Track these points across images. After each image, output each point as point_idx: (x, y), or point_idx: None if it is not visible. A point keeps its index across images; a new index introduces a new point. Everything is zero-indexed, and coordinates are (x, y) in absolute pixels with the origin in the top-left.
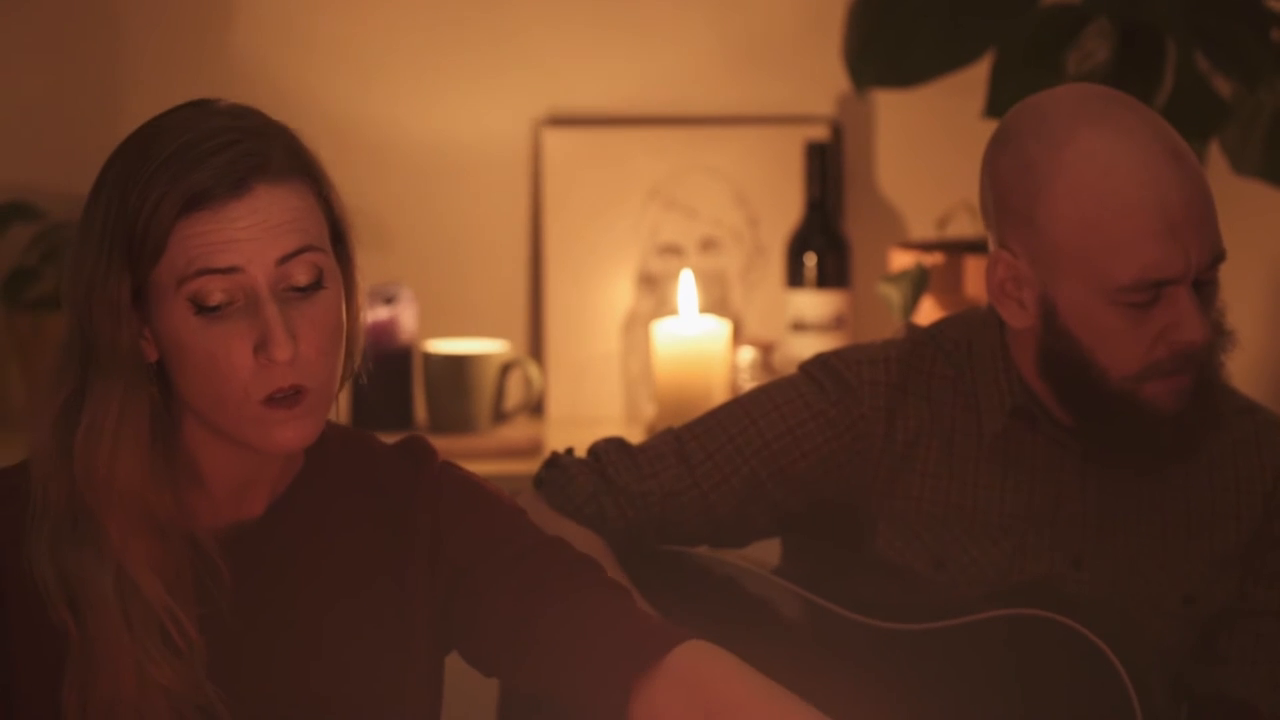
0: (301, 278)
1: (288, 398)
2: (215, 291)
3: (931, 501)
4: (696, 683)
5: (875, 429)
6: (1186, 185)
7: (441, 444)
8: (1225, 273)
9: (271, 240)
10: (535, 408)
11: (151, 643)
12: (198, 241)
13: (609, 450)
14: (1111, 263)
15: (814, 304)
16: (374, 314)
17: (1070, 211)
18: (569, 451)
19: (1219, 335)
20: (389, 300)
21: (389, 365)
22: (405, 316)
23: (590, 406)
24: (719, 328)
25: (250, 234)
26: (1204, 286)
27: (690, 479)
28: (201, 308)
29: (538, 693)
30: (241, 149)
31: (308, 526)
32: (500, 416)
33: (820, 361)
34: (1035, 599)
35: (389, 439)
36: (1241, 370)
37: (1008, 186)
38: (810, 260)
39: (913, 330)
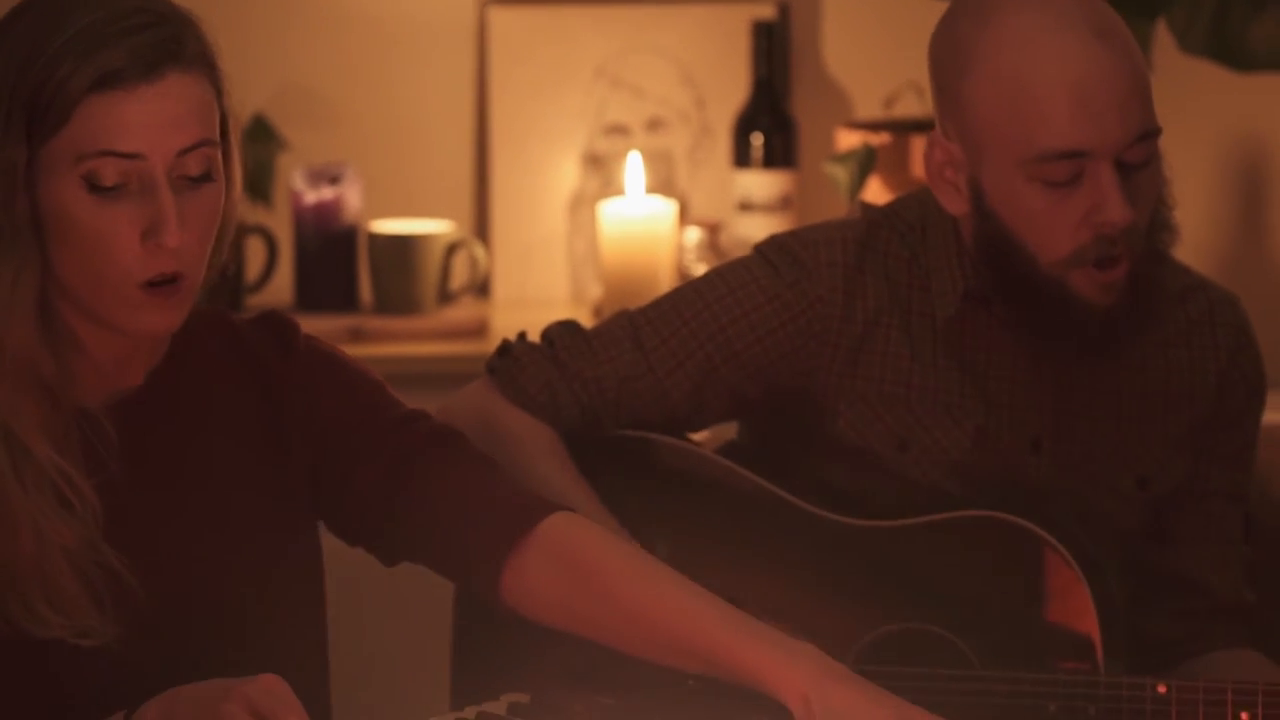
0: (194, 169)
1: (166, 284)
2: (112, 173)
3: (893, 382)
4: (567, 552)
5: (833, 310)
6: (1107, 61)
7: (387, 325)
8: (1170, 154)
9: (175, 130)
10: (481, 288)
11: (46, 502)
12: (103, 121)
13: (562, 334)
14: (1025, 135)
15: (761, 184)
16: (319, 194)
17: (990, 88)
18: (521, 336)
19: (1162, 230)
20: (333, 180)
21: (333, 246)
22: (349, 196)
23: (536, 287)
24: (665, 208)
25: (156, 120)
26: (1135, 170)
27: (645, 364)
28: (95, 187)
29: (409, 561)
30: (157, 33)
31: (185, 394)
32: (446, 297)
33: (775, 243)
34: (993, 487)
35: (335, 321)
36: (1185, 254)
37: (941, 66)
38: (757, 140)
39: (868, 210)
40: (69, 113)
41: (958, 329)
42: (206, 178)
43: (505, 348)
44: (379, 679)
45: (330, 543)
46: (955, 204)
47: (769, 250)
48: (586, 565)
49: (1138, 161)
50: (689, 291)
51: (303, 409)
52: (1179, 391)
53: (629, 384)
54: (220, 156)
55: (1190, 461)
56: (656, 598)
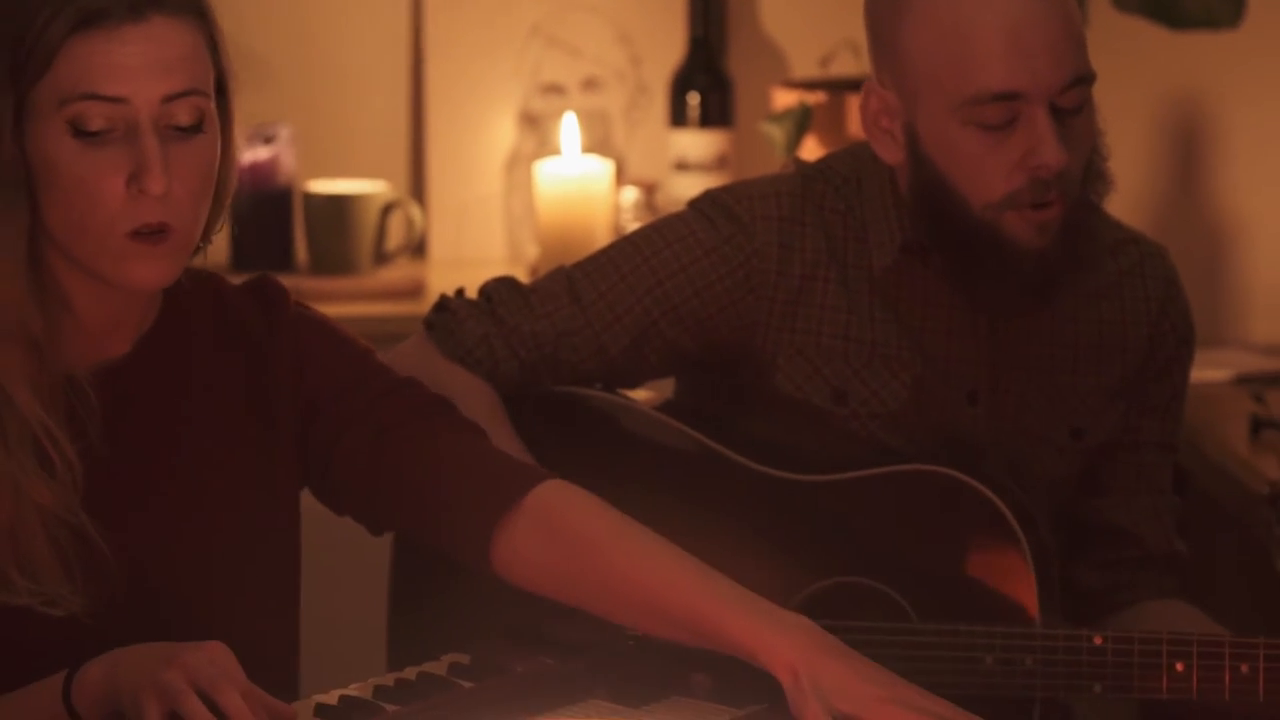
0: (184, 118)
1: (153, 234)
2: (96, 117)
3: (830, 335)
4: (556, 521)
5: (768, 264)
6: (1040, 5)
7: (322, 285)
8: (1105, 111)
9: (161, 75)
10: (417, 248)
11: (26, 459)
12: (87, 63)
13: (500, 290)
14: (960, 78)
15: (697, 143)
16: (253, 154)
17: (925, 33)
18: (459, 293)
19: (1096, 180)
20: (268, 140)
21: (268, 206)
22: (285, 156)
23: (472, 247)
24: (601, 168)
25: (141, 63)
26: (1069, 115)
27: (583, 318)
28: (80, 131)
29: (396, 531)
30: None
31: (172, 363)
32: (381, 258)
33: (710, 198)
34: (930, 440)
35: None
36: (1118, 209)
37: (877, 14)
38: (693, 99)
39: (802, 165)
40: (52, 56)
41: (894, 282)
42: (197, 129)
43: (443, 304)
44: (316, 641)
45: None
46: (891, 153)
47: (704, 205)
48: (576, 534)
49: (1071, 106)
50: (626, 246)
51: (290, 377)
52: (1111, 343)
53: (567, 338)
54: (214, 110)
55: (1122, 412)
56: (646, 567)
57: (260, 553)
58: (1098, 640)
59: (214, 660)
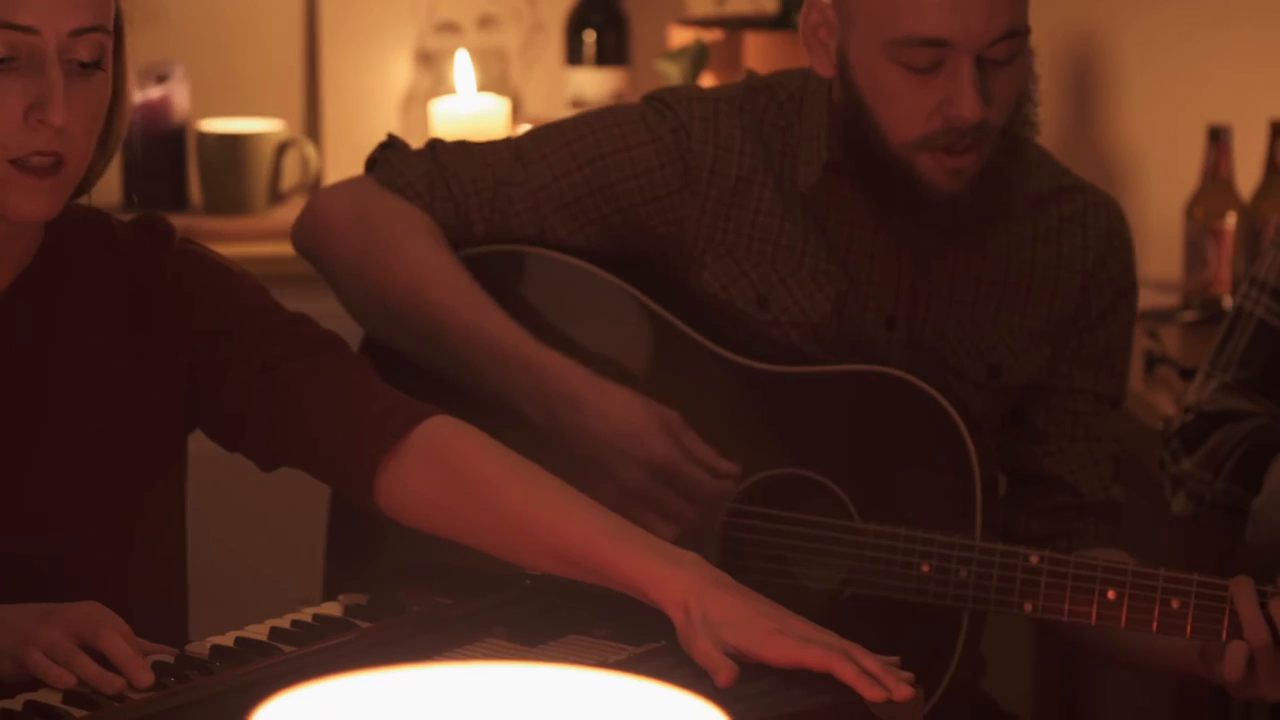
0: (86, 54)
1: (46, 168)
2: (2, 45)
3: (761, 239)
4: (443, 456)
5: (703, 162)
6: None
7: (217, 225)
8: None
9: (71, 8)
10: (312, 188)
11: None
12: None
13: (445, 144)
14: (891, 16)
15: (593, 81)
16: (146, 93)
17: None
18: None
19: (1023, 126)
20: (161, 79)
21: (162, 145)
22: (178, 95)
23: None
24: (498, 106)
25: None
26: (996, 67)
27: (523, 173)
28: None
29: (287, 466)
30: None
31: (53, 302)
32: (277, 197)
33: (658, 95)
34: (848, 357)
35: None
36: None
37: None
38: (589, 37)
39: (751, 77)
40: None
41: (822, 200)
42: (97, 66)
43: (390, 142)
44: (251, 581)
45: (207, 445)
46: (824, 66)
47: (653, 100)
48: (464, 469)
49: (1000, 59)
50: (575, 119)
51: (176, 313)
52: (1041, 286)
53: (505, 189)
54: (111, 47)
55: (1047, 357)
56: (535, 502)
57: (146, 497)
58: (1034, 559)
59: (90, 613)
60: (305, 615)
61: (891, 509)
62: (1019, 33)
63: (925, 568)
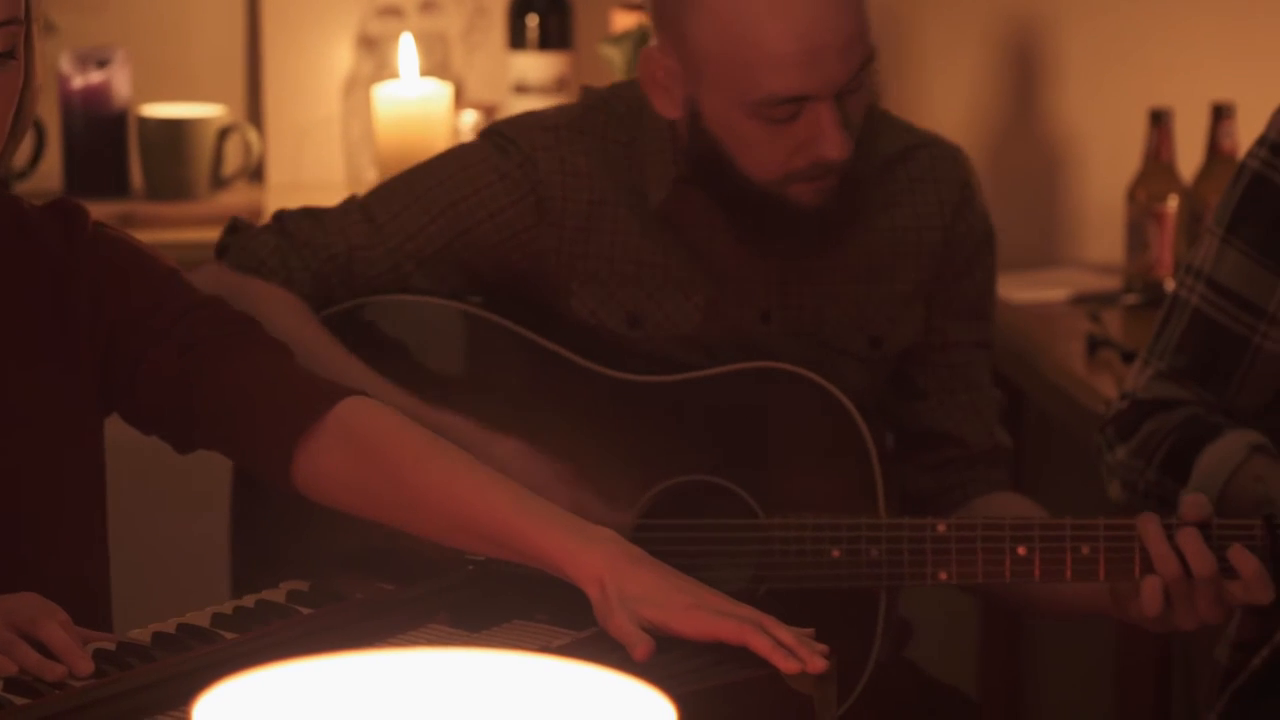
0: (1, 46)
1: None
2: None
3: (623, 260)
4: (360, 437)
5: (554, 191)
6: (830, 7)
7: (159, 211)
8: (943, 36)
9: None
10: (255, 173)
11: None
12: None
13: (292, 214)
14: (750, 81)
15: (536, 66)
16: (86, 78)
17: (713, 31)
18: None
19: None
20: (102, 64)
21: (103, 130)
22: (119, 80)
23: (311, 171)
24: (440, 91)
25: None
26: (852, 95)
27: (376, 236)
28: None
29: (203, 448)
30: None
31: None
32: (219, 182)
33: (496, 129)
34: (726, 354)
35: (105, 208)
36: (953, 130)
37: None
38: (532, 21)
39: (587, 94)
40: None
41: (677, 211)
42: (10, 55)
43: (234, 225)
44: (159, 570)
45: (113, 435)
46: (668, 109)
47: (492, 135)
48: (379, 448)
49: (856, 88)
50: (418, 170)
51: (91, 296)
52: (906, 249)
53: (360, 253)
54: (22, 37)
55: (923, 316)
56: (450, 480)
57: (66, 483)
58: (941, 528)
59: (30, 603)
60: (247, 601)
61: (794, 500)
62: (870, 60)
63: (836, 553)
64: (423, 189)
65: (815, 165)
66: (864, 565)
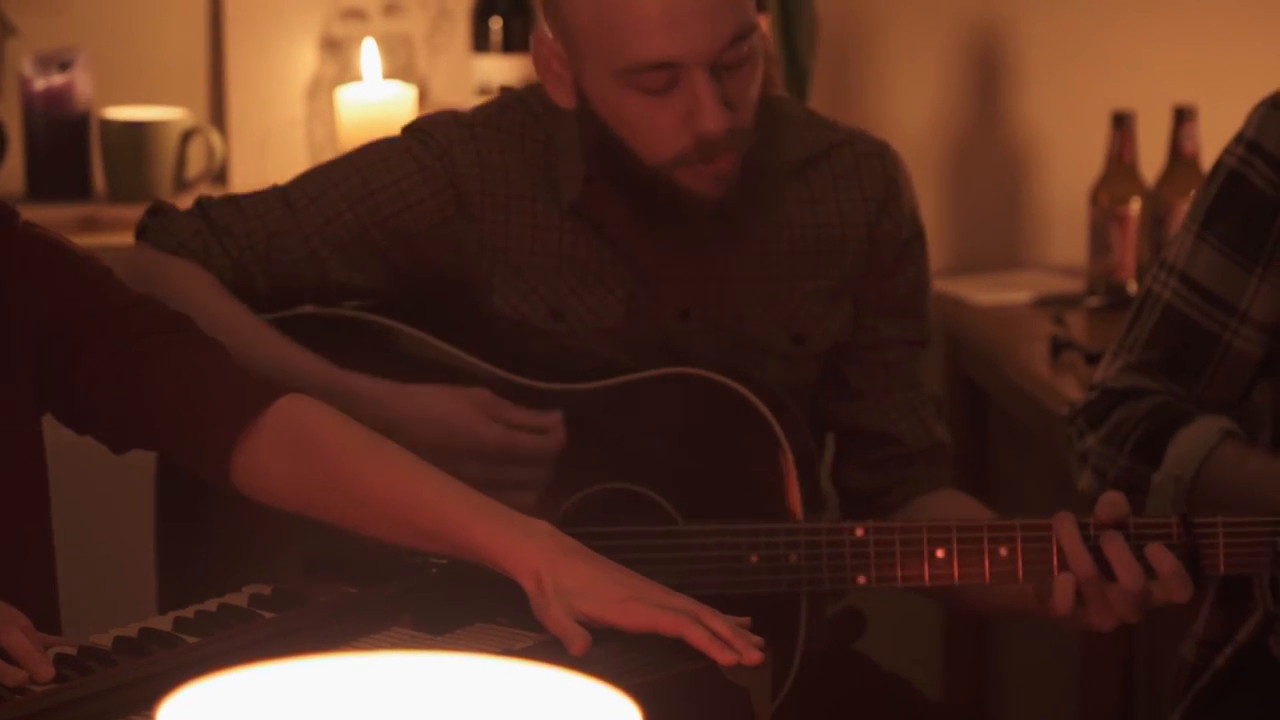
0: None
1: None
2: None
3: (544, 254)
4: (298, 433)
5: (471, 185)
6: None
7: (121, 214)
8: (906, 40)
9: None
10: (218, 176)
11: None
12: None
13: (213, 201)
14: (616, 46)
15: (500, 69)
16: (48, 80)
17: (581, 2)
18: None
19: (771, 90)
20: (64, 66)
21: (65, 133)
22: (81, 83)
23: (274, 174)
24: (404, 93)
25: None
26: (732, 72)
27: (294, 221)
28: None
29: (139, 448)
30: None
31: None
32: (182, 185)
33: (416, 125)
34: (647, 351)
35: (68, 211)
36: (916, 134)
37: None
38: (496, 24)
39: (506, 94)
40: None
41: (592, 209)
42: None
43: (156, 208)
44: (85, 580)
45: (49, 437)
46: (563, 98)
47: (413, 130)
48: (319, 445)
49: (733, 64)
50: (338, 160)
51: (22, 297)
52: (830, 247)
53: (279, 239)
54: None
55: (850, 314)
56: (390, 476)
57: (8, 486)
58: (859, 532)
59: None
60: (209, 605)
61: (713, 505)
62: (746, 34)
63: (754, 558)
64: (340, 176)
65: (701, 144)
66: (783, 571)
